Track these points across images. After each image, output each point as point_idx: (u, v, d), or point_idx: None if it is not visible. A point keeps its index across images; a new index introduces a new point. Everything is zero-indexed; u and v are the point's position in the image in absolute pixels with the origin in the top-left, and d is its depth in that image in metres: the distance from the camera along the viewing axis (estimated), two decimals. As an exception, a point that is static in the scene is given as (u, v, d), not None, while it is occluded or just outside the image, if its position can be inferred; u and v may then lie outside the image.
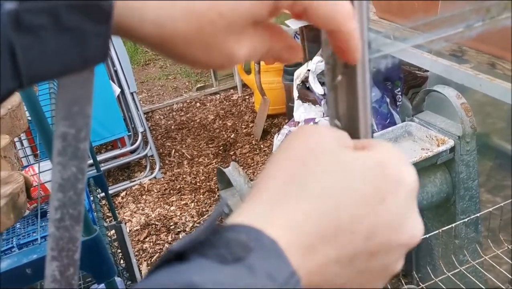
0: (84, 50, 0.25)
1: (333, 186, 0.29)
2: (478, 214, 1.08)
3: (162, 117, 3.95)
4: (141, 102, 3.91)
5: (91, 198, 1.82)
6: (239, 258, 0.24)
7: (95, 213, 1.73)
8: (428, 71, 1.93)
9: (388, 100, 2.30)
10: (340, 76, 0.43)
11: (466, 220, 1.07)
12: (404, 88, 2.26)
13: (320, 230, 0.28)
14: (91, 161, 2.09)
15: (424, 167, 1.28)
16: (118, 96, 3.09)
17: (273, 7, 0.29)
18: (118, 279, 1.49)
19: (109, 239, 1.93)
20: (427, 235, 1.06)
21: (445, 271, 1.09)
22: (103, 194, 2.15)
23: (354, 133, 0.44)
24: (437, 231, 1.04)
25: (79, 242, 0.42)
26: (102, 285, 0.89)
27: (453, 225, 1.05)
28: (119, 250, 2.06)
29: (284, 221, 0.28)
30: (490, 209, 1.07)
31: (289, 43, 0.34)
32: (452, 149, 1.28)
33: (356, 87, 0.42)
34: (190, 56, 0.29)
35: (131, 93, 3.18)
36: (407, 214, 0.30)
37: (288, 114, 3.33)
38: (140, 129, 3.17)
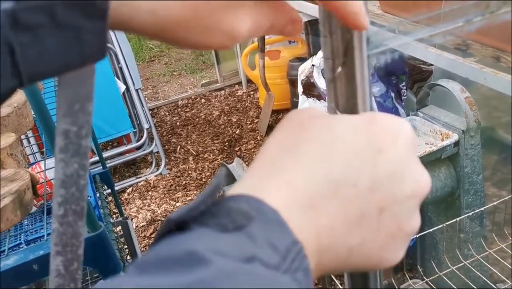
0: (81, 47, 0.26)
1: (325, 145, 0.29)
2: (482, 208, 1.08)
3: (167, 113, 3.97)
4: (146, 98, 3.92)
5: (97, 194, 1.83)
6: (240, 226, 0.25)
7: (102, 210, 1.75)
8: (433, 65, 1.92)
9: (393, 94, 2.29)
10: (340, 68, 0.43)
11: (470, 214, 1.07)
12: (409, 82, 2.26)
13: (319, 188, 0.28)
14: (97, 158, 2.10)
15: (428, 162, 1.28)
16: (123, 93, 3.10)
17: None
18: (124, 275, 1.50)
19: (116, 235, 1.94)
20: (432, 229, 1.06)
21: (449, 265, 1.09)
22: (109, 190, 2.17)
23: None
24: (441, 225, 1.04)
25: (82, 237, 0.42)
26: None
27: (458, 219, 1.05)
28: (125, 246, 2.07)
29: (283, 189, 0.28)
30: (495, 203, 1.07)
31: (293, 16, 0.33)
32: (456, 143, 1.27)
33: (355, 77, 0.43)
34: (191, 40, 0.29)
35: (136, 90, 3.19)
36: (407, 163, 0.30)
37: (293, 110, 3.33)
38: (146, 126, 3.18)
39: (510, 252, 1.11)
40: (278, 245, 0.24)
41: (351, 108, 0.45)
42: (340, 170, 0.28)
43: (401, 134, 0.31)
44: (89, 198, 1.49)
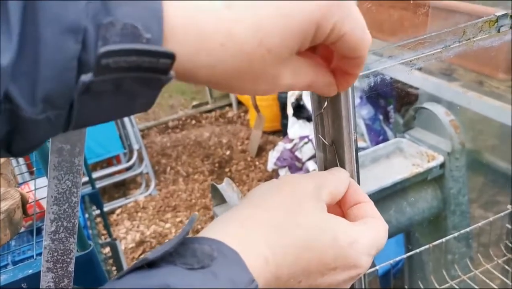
0: (131, 106, 0.28)
1: (301, 240, 0.35)
2: (468, 229, 1.10)
3: (157, 134, 3.97)
4: (137, 119, 3.93)
5: (86, 215, 1.83)
6: (204, 266, 0.29)
7: (90, 230, 1.74)
8: (419, 88, 1.96)
9: (381, 117, 2.33)
10: (326, 102, 0.45)
11: (456, 234, 1.09)
12: (397, 105, 2.30)
13: (281, 264, 0.33)
14: (86, 179, 2.10)
15: (415, 183, 1.30)
16: (114, 113, 3.11)
17: (315, 35, 0.30)
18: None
19: (104, 256, 1.93)
20: (419, 250, 1.07)
21: (436, 285, 1.10)
22: (98, 211, 2.16)
23: (340, 145, 0.47)
24: (428, 246, 1.05)
25: (73, 254, 0.43)
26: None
27: (444, 240, 1.07)
28: (114, 268, 2.06)
29: (245, 242, 0.32)
30: (479, 224, 1.09)
31: (330, 80, 0.37)
32: (442, 165, 1.29)
33: (341, 108, 0.45)
34: (238, 87, 0.31)
35: (127, 111, 3.20)
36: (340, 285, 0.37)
37: (283, 131, 3.36)
38: (136, 147, 3.19)
39: (496, 273, 1.12)
40: (238, 282, 0.29)
41: (337, 137, 0.47)
42: (299, 269, 0.34)
43: (356, 269, 0.38)
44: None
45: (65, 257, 0.41)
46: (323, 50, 0.36)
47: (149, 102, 0.28)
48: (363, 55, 0.33)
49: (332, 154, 0.48)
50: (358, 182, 0.51)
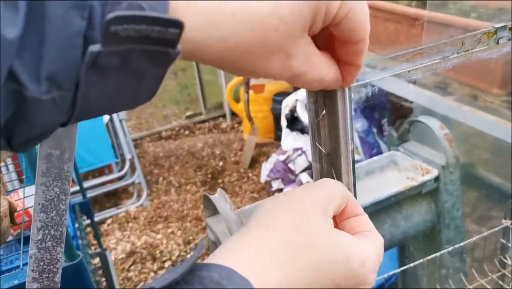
0: (137, 90, 0.27)
1: (314, 263, 0.33)
2: (462, 244, 1.09)
3: (150, 144, 3.95)
4: (130, 129, 3.91)
5: (76, 225, 1.80)
6: None
7: (80, 240, 1.71)
8: (413, 102, 1.97)
9: (375, 130, 2.33)
10: (324, 110, 0.45)
11: (450, 249, 1.08)
12: (391, 118, 2.30)
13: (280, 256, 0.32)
14: (77, 188, 2.07)
15: (409, 196, 1.29)
16: (107, 123, 3.09)
17: (325, 11, 0.30)
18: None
19: (94, 267, 1.90)
20: (412, 264, 1.06)
21: (430, 300, 1.09)
22: (88, 221, 2.13)
23: (336, 156, 0.46)
24: (421, 260, 1.04)
25: (60, 264, 0.41)
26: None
27: (438, 254, 1.06)
28: (103, 278, 2.02)
29: (259, 268, 0.31)
30: (474, 239, 1.08)
31: (339, 75, 0.37)
32: (436, 179, 1.29)
33: (338, 118, 0.44)
34: (250, 65, 0.30)
35: (120, 120, 3.18)
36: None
37: (276, 143, 3.35)
38: (128, 156, 3.16)
39: (489, 288, 1.11)
40: None
41: (333, 145, 0.46)
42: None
43: (363, 286, 0.37)
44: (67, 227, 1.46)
45: (51, 267, 0.39)
46: (326, 43, 0.36)
47: (154, 86, 0.28)
48: (364, 38, 0.33)
49: (328, 165, 0.47)
50: (355, 194, 0.50)
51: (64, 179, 0.36)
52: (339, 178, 0.47)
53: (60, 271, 0.39)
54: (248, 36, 0.28)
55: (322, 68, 0.34)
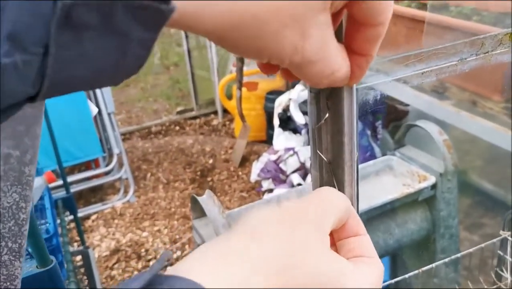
0: (121, 58, 0.22)
1: (294, 287, 0.29)
2: (459, 255, 1.05)
3: (139, 139, 3.89)
4: (119, 123, 3.84)
5: (58, 221, 1.74)
6: None
7: (61, 238, 1.65)
8: (409, 105, 1.94)
9: (369, 132, 2.29)
10: (328, 113, 0.40)
11: (447, 260, 1.04)
12: (385, 121, 2.27)
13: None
14: (60, 182, 2.01)
15: (405, 203, 1.26)
16: (95, 116, 3.03)
17: None
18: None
19: (75, 265, 1.84)
20: (407, 275, 1.02)
21: (424, 312, 1.05)
22: (72, 216, 2.07)
23: (339, 165, 0.42)
24: (416, 271, 1.01)
25: (18, 281, 0.36)
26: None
27: (434, 265, 1.02)
28: (85, 277, 1.96)
29: (231, 284, 0.26)
30: (471, 250, 1.04)
31: (349, 70, 0.33)
32: (433, 186, 1.26)
33: (343, 121, 0.39)
34: (258, 41, 0.26)
35: (108, 114, 3.11)
36: None
37: (268, 142, 3.31)
38: (116, 151, 3.09)
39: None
40: None
41: (336, 149, 0.41)
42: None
43: None
44: (47, 224, 1.40)
45: (8, 284, 0.33)
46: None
47: (143, 54, 0.22)
48: (385, 22, 0.30)
49: (329, 174, 0.43)
50: (357, 207, 0.45)
51: (25, 184, 0.30)
52: (341, 189, 0.42)
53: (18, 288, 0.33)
54: (256, 7, 0.24)
55: (335, 61, 0.30)
